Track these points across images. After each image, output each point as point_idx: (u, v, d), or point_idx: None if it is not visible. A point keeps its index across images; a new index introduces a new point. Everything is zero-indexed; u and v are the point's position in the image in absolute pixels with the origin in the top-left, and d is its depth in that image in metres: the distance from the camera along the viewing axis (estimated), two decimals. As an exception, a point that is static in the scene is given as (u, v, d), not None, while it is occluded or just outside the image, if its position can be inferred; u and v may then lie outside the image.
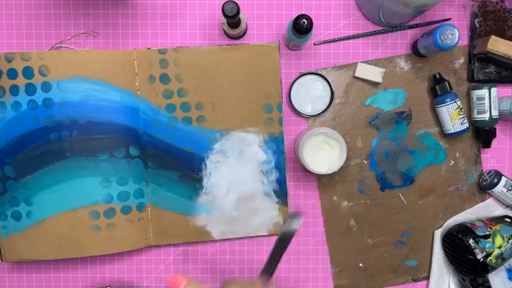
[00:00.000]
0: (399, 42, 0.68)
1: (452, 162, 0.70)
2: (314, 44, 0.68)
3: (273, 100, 0.66)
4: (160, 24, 0.67)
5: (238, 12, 0.57)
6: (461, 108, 0.65)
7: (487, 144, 0.68)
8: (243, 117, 0.66)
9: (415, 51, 0.67)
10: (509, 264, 0.70)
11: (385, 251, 0.70)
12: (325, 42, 0.67)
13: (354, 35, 0.67)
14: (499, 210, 0.71)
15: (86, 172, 0.63)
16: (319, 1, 0.67)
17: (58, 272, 0.70)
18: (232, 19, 0.58)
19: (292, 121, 0.68)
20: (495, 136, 0.68)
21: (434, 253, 0.70)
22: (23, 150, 0.63)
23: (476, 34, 0.67)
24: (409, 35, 0.68)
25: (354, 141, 0.69)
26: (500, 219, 0.68)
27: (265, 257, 0.60)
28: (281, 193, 0.68)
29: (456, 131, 0.66)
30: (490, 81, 0.67)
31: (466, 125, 0.66)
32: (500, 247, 0.64)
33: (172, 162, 0.66)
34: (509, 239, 0.65)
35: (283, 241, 0.49)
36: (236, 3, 0.56)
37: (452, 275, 0.71)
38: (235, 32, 0.63)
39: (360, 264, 0.70)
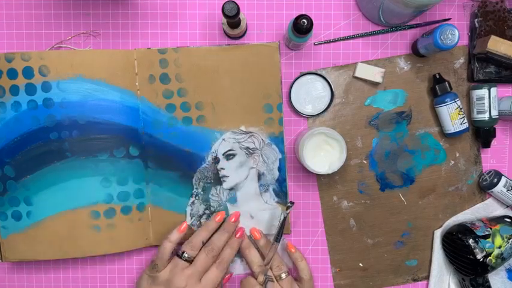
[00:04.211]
0: (399, 42, 0.68)
1: (452, 162, 0.70)
2: (314, 44, 0.68)
3: (273, 100, 0.66)
4: (160, 24, 0.67)
5: (238, 12, 0.57)
6: (461, 108, 0.65)
7: (486, 144, 0.68)
8: (243, 117, 0.66)
9: (415, 51, 0.67)
10: (509, 264, 0.70)
11: (385, 251, 0.70)
12: (325, 42, 0.67)
13: (354, 35, 0.67)
14: (499, 210, 0.71)
15: (86, 172, 0.63)
16: (319, 1, 0.67)
17: (58, 272, 0.70)
18: (232, 19, 0.58)
19: (292, 121, 0.68)
20: (495, 136, 0.68)
21: (434, 253, 0.70)
22: (23, 150, 0.63)
23: (476, 34, 0.67)
24: (409, 35, 0.68)
25: (353, 141, 0.69)
26: (500, 219, 0.68)
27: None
28: (281, 193, 0.68)
29: (456, 131, 0.66)
30: (489, 81, 0.67)
31: (466, 125, 0.66)
32: (500, 247, 0.64)
33: (173, 162, 0.66)
34: (509, 239, 0.65)
35: (284, 220, 0.64)
36: (236, 3, 0.56)
37: (452, 275, 0.71)
38: (235, 32, 0.63)
39: (360, 264, 0.70)
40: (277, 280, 0.64)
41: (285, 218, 0.64)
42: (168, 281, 0.60)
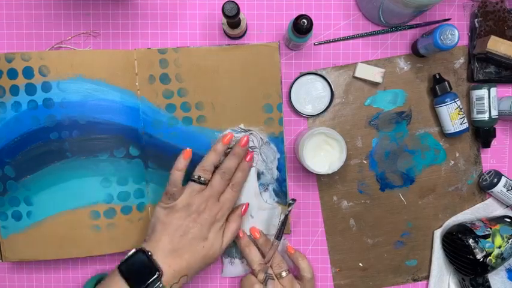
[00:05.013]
0: (399, 42, 0.68)
1: (452, 162, 0.70)
2: (314, 44, 0.68)
3: (273, 100, 0.66)
4: (160, 24, 0.67)
5: (238, 12, 0.57)
6: (461, 108, 0.65)
7: (486, 144, 0.68)
8: (243, 117, 0.66)
9: (415, 51, 0.67)
10: (509, 264, 0.70)
11: (385, 251, 0.70)
12: (325, 42, 0.68)
13: (354, 35, 0.67)
14: (499, 210, 0.71)
15: (86, 172, 0.63)
16: (319, 1, 0.67)
17: (58, 272, 0.70)
18: (232, 19, 0.58)
19: (292, 121, 0.68)
20: (495, 136, 0.68)
21: (434, 253, 0.70)
22: (23, 150, 0.63)
23: (476, 34, 0.67)
24: (409, 35, 0.68)
25: (353, 141, 0.69)
26: (500, 219, 0.68)
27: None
28: (281, 193, 0.68)
29: (456, 131, 0.66)
30: (489, 81, 0.67)
31: (466, 125, 0.66)
32: (500, 247, 0.64)
33: (173, 162, 0.66)
34: (509, 239, 0.65)
35: (285, 218, 0.65)
36: (236, 3, 0.56)
37: (452, 275, 0.71)
38: (235, 32, 0.63)
39: (360, 264, 0.70)
40: (277, 278, 0.64)
41: (286, 216, 0.64)
42: (188, 205, 0.60)
